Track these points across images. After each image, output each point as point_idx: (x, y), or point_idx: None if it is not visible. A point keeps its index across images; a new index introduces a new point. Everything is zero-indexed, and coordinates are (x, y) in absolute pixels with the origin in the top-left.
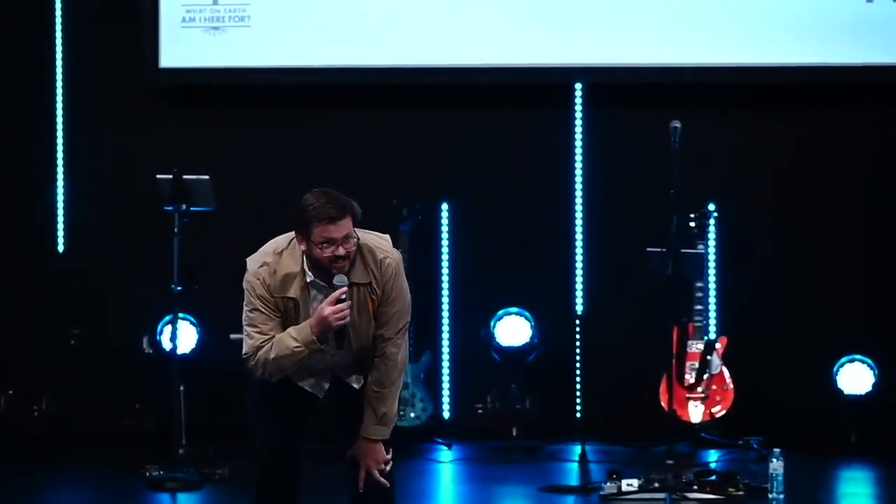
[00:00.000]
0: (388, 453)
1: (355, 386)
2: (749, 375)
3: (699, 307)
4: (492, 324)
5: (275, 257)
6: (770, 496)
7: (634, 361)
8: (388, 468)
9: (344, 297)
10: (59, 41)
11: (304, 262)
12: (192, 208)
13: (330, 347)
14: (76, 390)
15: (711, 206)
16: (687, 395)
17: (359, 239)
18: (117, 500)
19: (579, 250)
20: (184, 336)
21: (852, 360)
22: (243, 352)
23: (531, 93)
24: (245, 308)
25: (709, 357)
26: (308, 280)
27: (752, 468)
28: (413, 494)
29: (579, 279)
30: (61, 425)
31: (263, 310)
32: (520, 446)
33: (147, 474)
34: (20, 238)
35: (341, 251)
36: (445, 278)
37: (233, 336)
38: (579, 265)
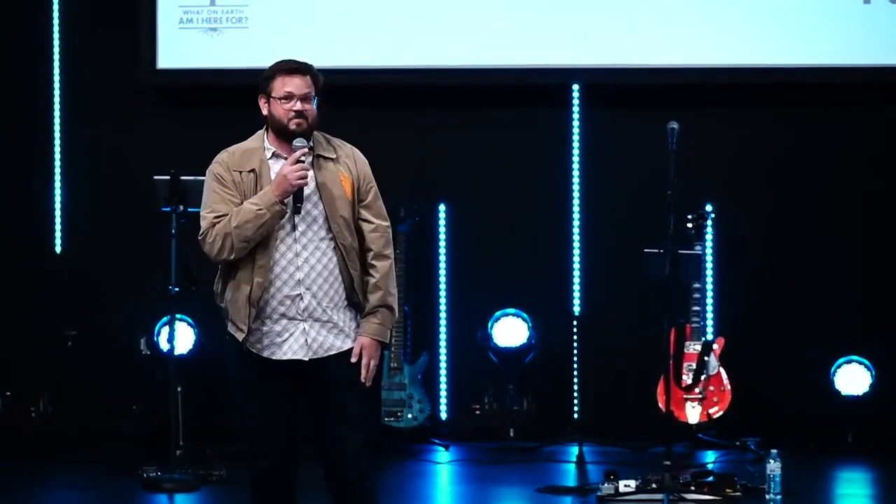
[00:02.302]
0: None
1: (336, 369)
2: (746, 376)
3: (696, 308)
4: (489, 325)
5: (238, 144)
6: (767, 497)
7: (632, 362)
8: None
9: (304, 158)
10: (56, 42)
11: (266, 138)
12: (189, 209)
13: (290, 218)
14: (73, 391)
15: (709, 207)
16: (684, 396)
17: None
18: (114, 501)
19: (577, 251)
20: (181, 337)
21: (849, 361)
22: (199, 234)
23: (529, 94)
24: (203, 196)
25: (706, 358)
26: (268, 155)
27: (750, 469)
28: (410, 496)
29: (576, 280)
30: (58, 426)
31: (219, 190)
32: (517, 447)
33: (144, 475)
34: (18, 238)
35: (299, 106)
36: (443, 279)
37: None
38: (576, 266)
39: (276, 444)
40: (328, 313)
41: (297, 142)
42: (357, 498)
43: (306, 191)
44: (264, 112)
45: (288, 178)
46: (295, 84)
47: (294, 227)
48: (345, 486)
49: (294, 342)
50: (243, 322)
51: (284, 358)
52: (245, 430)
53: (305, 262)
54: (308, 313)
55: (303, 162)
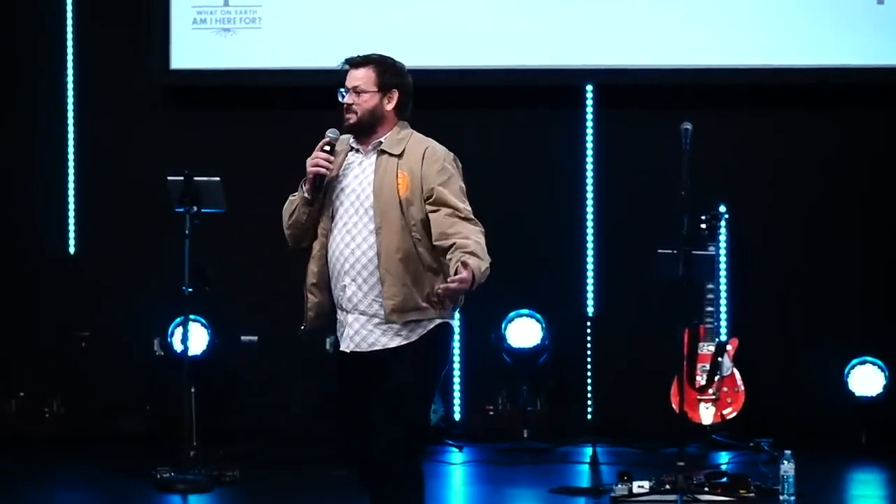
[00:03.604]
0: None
1: (390, 363)
2: (760, 377)
3: (710, 309)
4: (503, 326)
5: None
6: (781, 498)
7: (645, 363)
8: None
9: (328, 148)
10: (70, 43)
11: None
12: (202, 210)
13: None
14: (86, 392)
15: (722, 208)
16: (698, 397)
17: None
18: (127, 501)
19: (590, 252)
20: (194, 338)
21: (863, 362)
22: None
23: (542, 94)
24: None
25: (720, 359)
26: (351, 143)
27: (763, 470)
28: (424, 496)
29: (590, 281)
30: (71, 427)
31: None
32: (530, 448)
33: (157, 476)
34: (31, 240)
35: (346, 99)
36: None
37: (243, 338)
38: (590, 267)
39: (351, 432)
40: (374, 307)
41: (329, 132)
42: (386, 496)
43: (356, 186)
44: None
45: (307, 165)
46: (349, 78)
47: (349, 219)
48: (377, 484)
49: (346, 332)
50: (307, 308)
51: (343, 348)
52: None
53: (352, 252)
54: (353, 305)
55: (327, 152)
